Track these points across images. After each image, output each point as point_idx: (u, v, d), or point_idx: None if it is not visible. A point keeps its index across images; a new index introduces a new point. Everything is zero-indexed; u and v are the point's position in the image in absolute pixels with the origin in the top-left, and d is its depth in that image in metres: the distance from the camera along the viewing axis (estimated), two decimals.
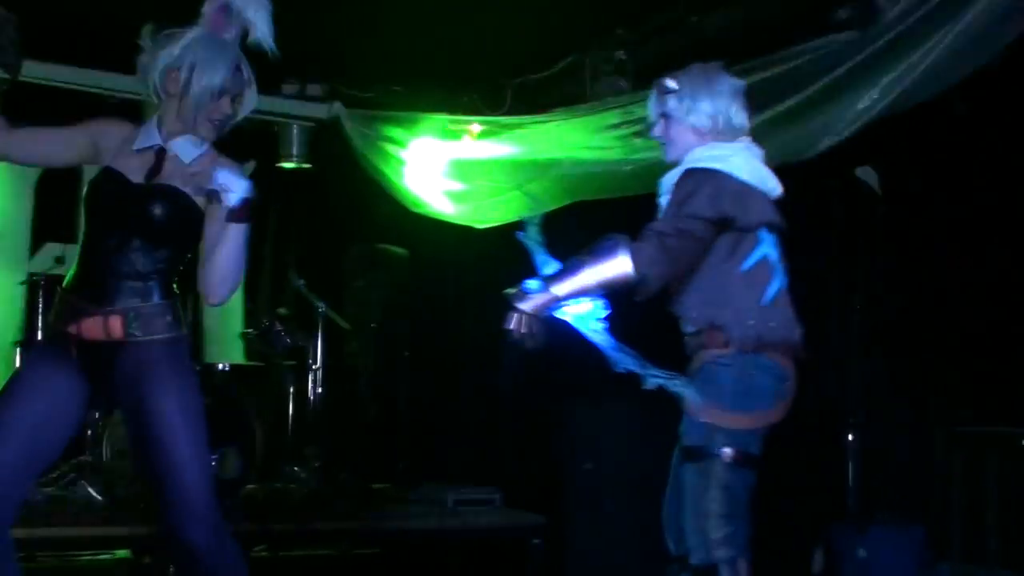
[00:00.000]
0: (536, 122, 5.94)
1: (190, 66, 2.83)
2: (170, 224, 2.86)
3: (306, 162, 7.14)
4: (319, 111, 6.86)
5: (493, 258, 6.47)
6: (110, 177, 2.89)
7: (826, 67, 4.50)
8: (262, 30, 2.93)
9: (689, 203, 3.01)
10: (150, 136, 2.92)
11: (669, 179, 3.18)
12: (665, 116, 3.22)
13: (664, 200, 3.16)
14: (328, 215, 7.29)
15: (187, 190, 2.88)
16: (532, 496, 5.91)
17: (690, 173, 3.10)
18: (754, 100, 4.76)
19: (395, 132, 6.40)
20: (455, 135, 6.34)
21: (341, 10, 5.57)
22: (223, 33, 2.91)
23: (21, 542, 4.86)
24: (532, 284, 2.98)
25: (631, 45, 5.82)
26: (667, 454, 3.19)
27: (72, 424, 2.90)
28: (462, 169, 6.36)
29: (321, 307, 6.49)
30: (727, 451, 2.99)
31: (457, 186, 6.38)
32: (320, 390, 6.44)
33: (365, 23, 5.73)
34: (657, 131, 3.26)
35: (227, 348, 7.05)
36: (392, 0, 5.37)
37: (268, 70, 6.72)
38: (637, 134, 5.42)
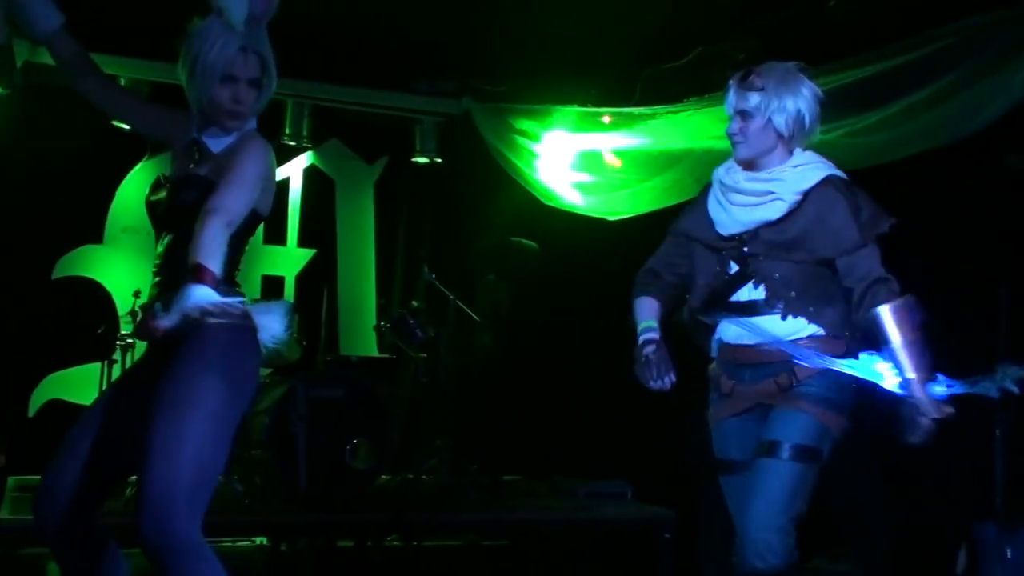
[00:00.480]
0: (668, 112, 5.86)
1: (193, 56, 2.78)
2: (196, 214, 2.69)
3: (437, 157, 7.21)
4: (450, 106, 6.94)
5: (624, 250, 6.42)
6: (155, 181, 2.93)
7: (974, 47, 4.33)
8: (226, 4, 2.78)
9: (865, 217, 3.03)
10: (191, 129, 2.90)
11: (797, 182, 3.08)
12: (744, 113, 3.09)
13: (792, 198, 3.07)
14: (459, 209, 7.35)
15: (216, 179, 2.76)
16: (663, 490, 5.84)
17: (844, 184, 3.09)
18: (897, 85, 4.67)
19: (527, 125, 6.42)
20: (586, 127, 6.32)
21: (470, 6, 5.60)
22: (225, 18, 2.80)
23: None
24: (938, 388, 2.92)
25: (765, 32, 5.70)
26: None
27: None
28: (593, 161, 6.34)
29: (452, 300, 6.54)
30: (826, 455, 3.02)
31: (588, 178, 6.35)
32: (451, 382, 6.47)
33: (494, 18, 5.74)
34: (734, 127, 3.12)
35: (360, 341, 7.17)
36: None
37: (400, 67, 6.92)
38: None
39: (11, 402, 6.17)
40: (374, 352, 7.10)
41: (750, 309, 3.10)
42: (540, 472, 6.47)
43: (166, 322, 2.42)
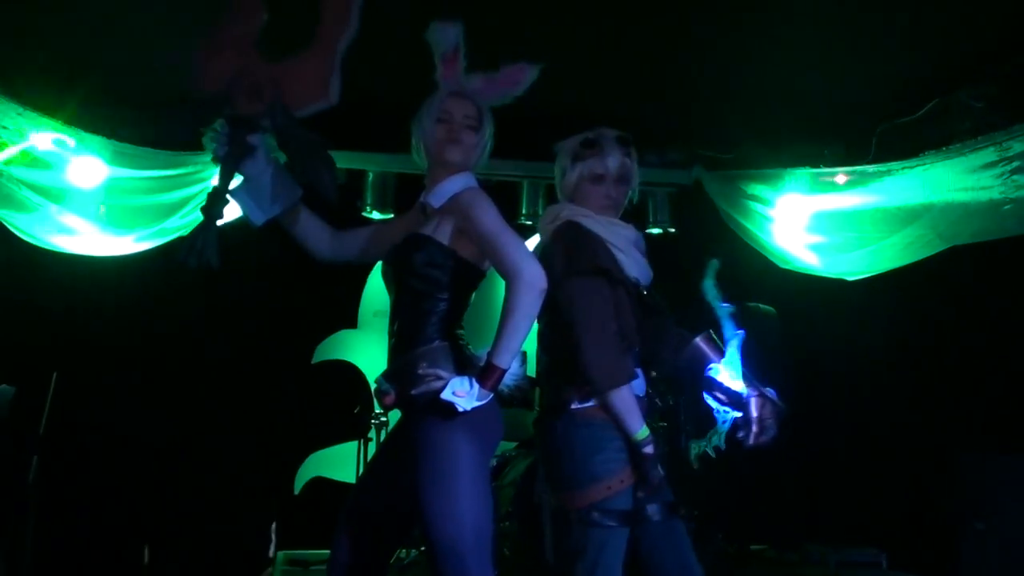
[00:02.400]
0: (905, 167, 5.74)
1: (420, 116, 2.96)
2: (415, 270, 2.83)
3: (671, 227, 7.27)
4: (681, 176, 6.99)
5: (864, 310, 6.28)
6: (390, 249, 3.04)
7: None
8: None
9: None
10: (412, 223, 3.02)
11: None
12: (626, 179, 3.19)
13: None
14: (693, 277, 7.35)
15: (435, 235, 2.84)
16: (921, 559, 5.60)
17: None
18: None
19: (759, 189, 6.41)
20: (820, 188, 6.25)
21: (696, 76, 5.67)
22: (449, 82, 2.96)
23: None
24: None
25: (1005, 80, 5.51)
26: None
27: (405, 494, 2.76)
28: (829, 221, 6.25)
29: None
30: None
31: (824, 239, 6.26)
32: (691, 450, 6.42)
33: (721, 86, 5.79)
34: (620, 193, 3.19)
35: None
36: (746, 61, 5.40)
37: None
38: (1016, 171, 5.13)
39: (279, 481, 6.56)
40: None
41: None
42: (789, 540, 6.32)
43: (465, 406, 2.64)
